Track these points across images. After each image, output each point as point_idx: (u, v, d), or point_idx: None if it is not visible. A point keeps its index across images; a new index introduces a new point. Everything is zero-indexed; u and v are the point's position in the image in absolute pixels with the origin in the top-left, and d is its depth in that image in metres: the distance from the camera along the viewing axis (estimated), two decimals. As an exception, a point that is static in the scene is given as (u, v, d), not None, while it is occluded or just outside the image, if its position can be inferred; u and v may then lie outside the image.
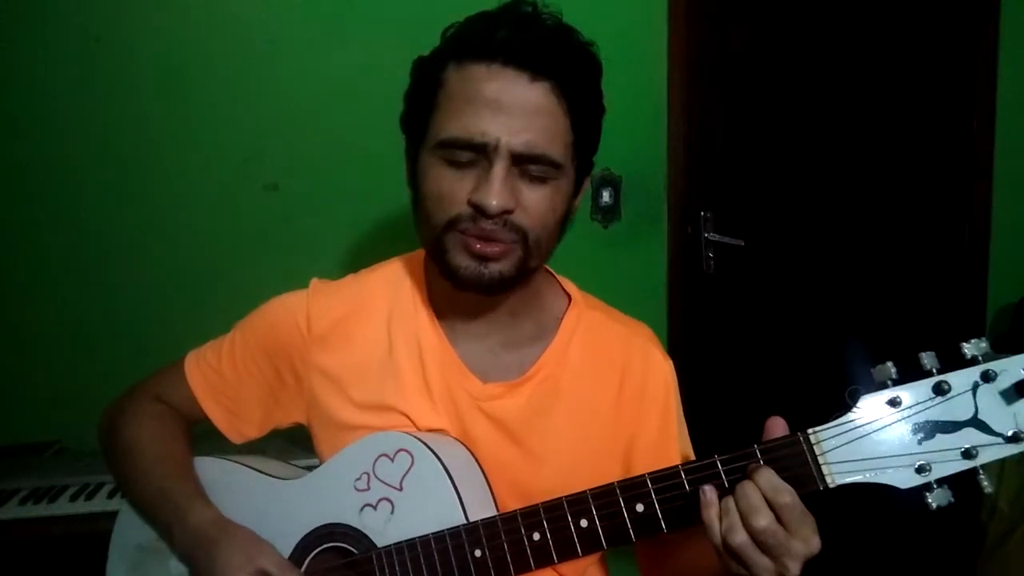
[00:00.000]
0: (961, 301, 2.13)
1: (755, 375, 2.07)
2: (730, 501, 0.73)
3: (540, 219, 0.85)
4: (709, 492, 0.74)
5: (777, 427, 0.76)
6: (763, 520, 0.70)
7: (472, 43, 0.82)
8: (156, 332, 1.76)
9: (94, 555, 1.04)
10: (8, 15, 1.68)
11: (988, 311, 2.15)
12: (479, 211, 0.82)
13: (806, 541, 0.72)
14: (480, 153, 0.82)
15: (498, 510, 0.88)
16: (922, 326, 2.03)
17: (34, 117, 1.72)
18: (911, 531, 2.01)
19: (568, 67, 0.83)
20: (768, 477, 0.72)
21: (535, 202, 0.84)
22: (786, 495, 0.71)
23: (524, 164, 0.83)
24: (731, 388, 2.09)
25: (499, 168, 0.81)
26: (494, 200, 0.81)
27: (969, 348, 0.71)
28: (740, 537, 0.71)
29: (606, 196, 1.97)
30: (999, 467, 1.93)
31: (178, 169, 1.78)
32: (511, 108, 0.80)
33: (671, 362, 1.01)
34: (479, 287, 0.86)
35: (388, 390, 0.94)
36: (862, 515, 2.01)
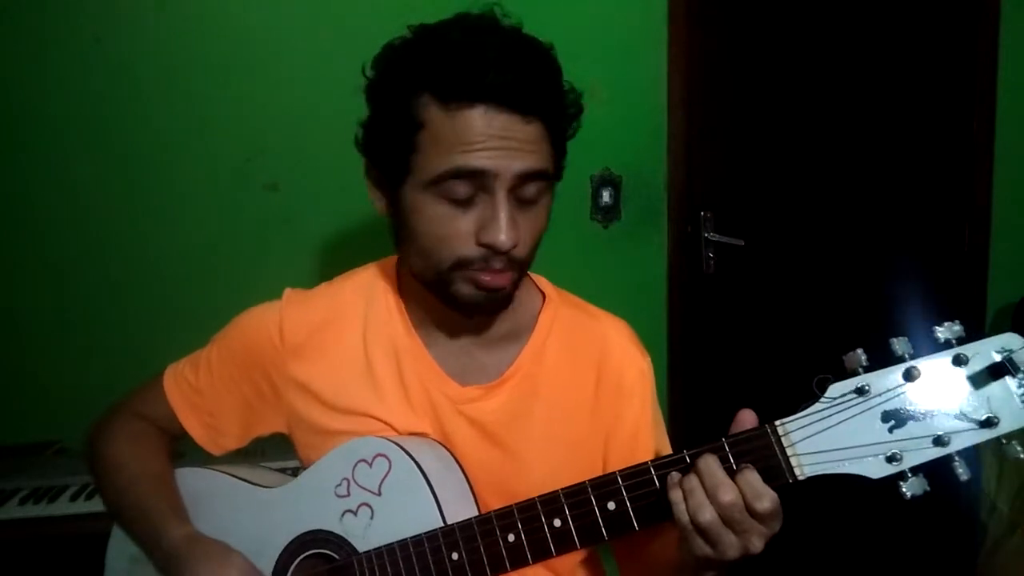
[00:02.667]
0: (961, 301, 2.13)
1: (754, 375, 2.07)
2: (693, 479, 0.73)
3: (534, 241, 0.87)
4: (675, 474, 0.75)
5: (747, 419, 0.75)
6: (729, 494, 0.71)
7: (458, 85, 0.78)
8: (156, 332, 1.76)
9: (94, 555, 1.05)
10: (8, 15, 1.68)
11: (988, 311, 2.15)
12: (492, 250, 0.81)
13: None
14: (479, 186, 0.80)
15: (479, 510, 0.88)
16: (922, 326, 2.03)
17: (34, 117, 1.72)
18: (911, 531, 2.02)
19: (552, 101, 0.83)
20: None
21: (530, 227, 0.85)
22: (730, 491, 0.71)
23: (523, 185, 0.82)
24: (731, 387, 2.09)
25: (502, 202, 0.80)
26: (505, 237, 0.80)
27: (942, 332, 0.69)
28: (708, 514, 0.71)
29: (606, 196, 1.97)
30: (998, 467, 1.93)
31: (178, 169, 1.78)
32: (506, 144, 0.79)
33: (648, 358, 1.00)
34: (487, 313, 0.90)
35: (366, 397, 0.94)
36: (863, 515, 2.01)
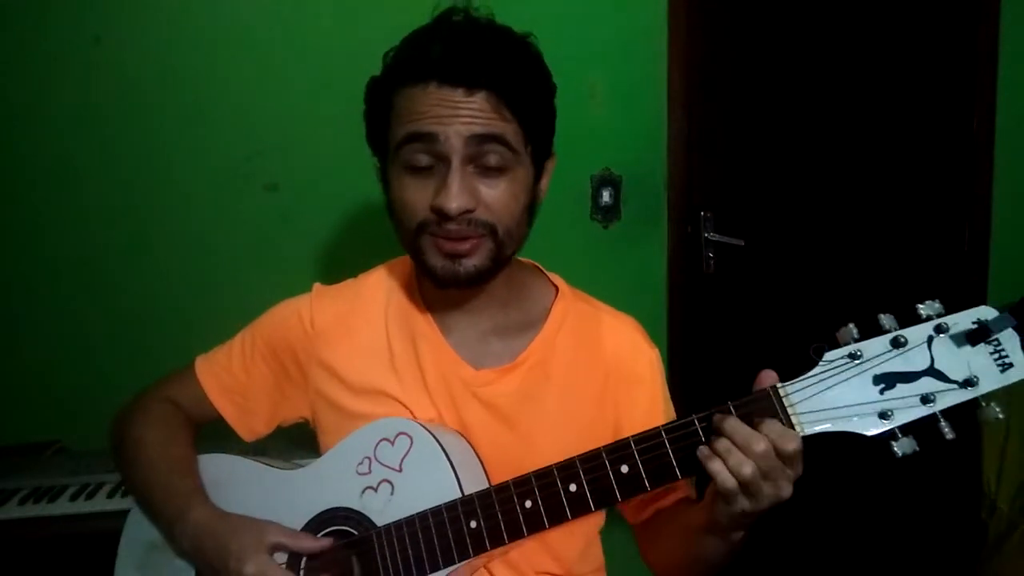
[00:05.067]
0: (961, 301, 2.12)
1: (755, 374, 2.06)
2: (724, 442, 0.78)
3: (505, 211, 0.91)
4: (705, 449, 0.80)
5: (768, 378, 0.83)
6: (762, 444, 0.76)
7: (409, 66, 0.88)
8: (156, 332, 1.76)
9: (94, 555, 1.05)
10: (8, 15, 1.68)
11: (988, 311, 2.14)
12: (441, 215, 0.87)
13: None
14: (436, 154, 0.87)
15: None
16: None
17: (34, 117, 1.72)
18: (912, 530, 2.02)
19: (504, 75, 0.87)
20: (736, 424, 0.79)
21: (495, 197, 0.89)
22: (761, 440, 0.77)
23: (482, 150, 0.87)
24: (730, 388, 2.09)
25: (455, 169, 0.87)
26: (453, 203, 0.86)
27: (924, 308, 0.78)
28: (749, 468, 0.76)
29: (606, 196, 1.97)
30: (998, 466, 1.93)
31: (178, 169, 1.78)
32: (453, 115, 0.86)
33: (656, 350, 1.06)
34: (456, 283, 0.92)
35: (386, 381, 1.00)
36: (864, 515, 2.01)
